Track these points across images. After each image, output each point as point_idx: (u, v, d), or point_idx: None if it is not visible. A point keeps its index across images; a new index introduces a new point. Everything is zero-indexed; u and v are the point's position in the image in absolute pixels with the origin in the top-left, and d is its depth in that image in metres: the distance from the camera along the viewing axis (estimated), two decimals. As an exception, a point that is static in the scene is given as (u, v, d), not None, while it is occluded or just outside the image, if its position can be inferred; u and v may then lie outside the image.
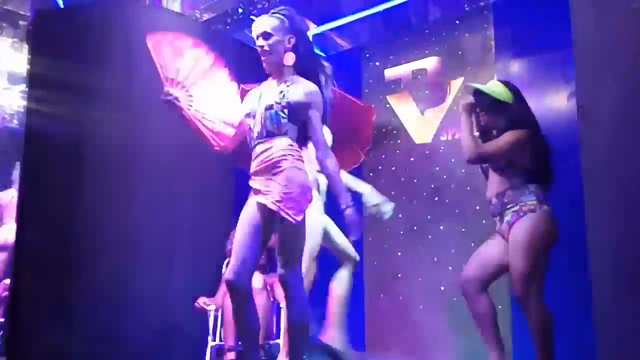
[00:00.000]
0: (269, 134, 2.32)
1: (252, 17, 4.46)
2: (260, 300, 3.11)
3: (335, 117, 4.07)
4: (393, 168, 4.11)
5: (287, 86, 2.37)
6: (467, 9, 3.97)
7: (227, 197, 4.20)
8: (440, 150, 3.91)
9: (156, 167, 3.50)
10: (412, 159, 4.03)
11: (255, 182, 2.30)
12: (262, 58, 2.42)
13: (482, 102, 2.61)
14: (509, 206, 2.55)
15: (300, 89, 2.36)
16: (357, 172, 4.23)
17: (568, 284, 3.01)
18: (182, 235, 3.53)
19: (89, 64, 3.59)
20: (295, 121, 2.33)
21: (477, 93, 2.62)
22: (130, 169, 3.48)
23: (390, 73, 4.25)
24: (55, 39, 3.59)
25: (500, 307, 3.40)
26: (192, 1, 4.38)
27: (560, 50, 3.30)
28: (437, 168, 3.89)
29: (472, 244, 3.61)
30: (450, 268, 3.69)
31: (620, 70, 1.89)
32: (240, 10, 4.21)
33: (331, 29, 4.84)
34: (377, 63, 4.32)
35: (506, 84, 2.63)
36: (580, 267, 2.46)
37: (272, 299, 3.28)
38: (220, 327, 3.23)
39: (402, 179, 4.04)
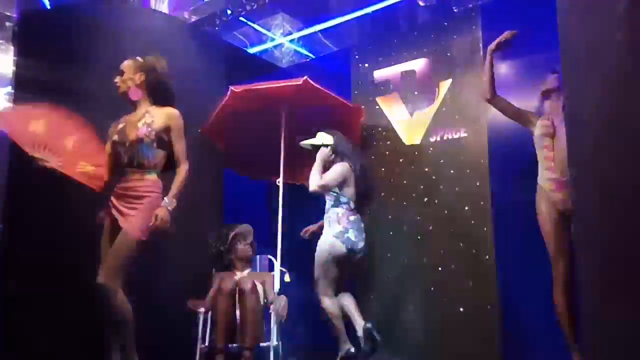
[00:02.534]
0: (139, 166, 2.78)
1: (240, 18, 4.46)
2: (250, 302, 3.10)
3: (325, 119, 4.10)
4: (382, 169, 4.12)
5: (150, 117, 2.85)
6: (455, 11, 4.00)
7: (216, 198, 4.19)
8: (430, 152, 3.92)
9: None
10: (401, 160, 4.04)
11: (118, 204, 2.75)
12: (118, 92, 2.91)
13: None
14: None
15: (162, 116, 2.86)
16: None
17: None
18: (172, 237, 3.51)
19: (75, 65, 3.56)
20: (163, 145, 2.83)
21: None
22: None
23: (379, 74, 4.26)
24: (42, 40, 3.56)
25: (489, 307, 3.43)
26: (180, 2, 4.36)
27: (547, 53, 3.33)
28: (426, 169, 3.91)
29: (461, 245, 3.64)
30: (439, 269, 3.71)
31: (606, 72, 1.91)
32: (229, 12, 4.20)
33: (320, 31, 4.85)
34: (366, 65, 4.33)
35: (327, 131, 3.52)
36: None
37: (263, 300, 3.27)
38: (210, 329, 3.21)
39: (392, 180, 4.06)
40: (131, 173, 2.79)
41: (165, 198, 2.77)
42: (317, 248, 3.32)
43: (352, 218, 3.38)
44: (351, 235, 3.30)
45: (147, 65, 2.95)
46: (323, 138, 3.56)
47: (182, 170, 2.86)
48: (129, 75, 2.93)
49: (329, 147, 3.49)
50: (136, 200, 2.74)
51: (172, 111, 2.89)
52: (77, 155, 2.80)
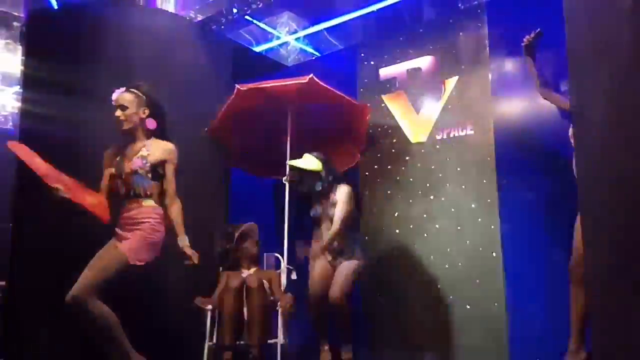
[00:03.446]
0: (136, 195, 2.86)
1: (246, 17, 4.47)
2: (256, 300, 3.11)
3: (331, 117, 4.10)
4: (389, 167, 4.12)
5: (147, 150, 2.91)
6: (461, 8, 3.99)
7: (222, 197, 4.21)
8: (436, 149, 3.92)
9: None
10: (407, 158, 4.04)
11: (120, 232, 2.83)
12: (120, 127, 2.92)
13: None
14: None
15: (158, 150, 2.93)
16: (353, 172, 4.25)
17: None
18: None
19: (83, 64, 3.58)
20: (157, 177, 2.91)
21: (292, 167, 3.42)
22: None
23: (385, 72, 4.25)
24: (49, 40, 3.58)
25: (496, 304, 3.43)
26: (186, 1, 4.37)
27: (553, 49, 3.32)
28: (433, 167, 3.90)
29: (468, 242, 3.64)
30: (446, 266, 3.71)
31: (614, 69, 1.90)
32: (234, 11, 4.20)
33: (326, 29, 4.85)
34: (372, 62, 4.32)
35: (315, 155, 3.51)
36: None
37: (271, 298, 3.28)
38: (218, 327, 3.23)
39: (398, 178, 4.05)
40: (130, 203, 2.88)
41: (179, 240, 2.90)
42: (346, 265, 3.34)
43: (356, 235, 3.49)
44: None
45: (150, 101, 2.98)
46: (312, 162, 3.52)
47: (177, 207, 2.93)
48: (134, 110, 2.93)
49: (319, 183, 3.48)
50: (135, 227, 2.83)
51: (170, 146, 2.97)
52: (80, 188, 2.86)
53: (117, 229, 2.87)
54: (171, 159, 2.95)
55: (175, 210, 2.92)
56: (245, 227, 3.42)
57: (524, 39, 3.16)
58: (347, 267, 3.32)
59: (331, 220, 3.38)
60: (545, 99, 3.21)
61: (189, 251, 2.88)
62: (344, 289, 3.22)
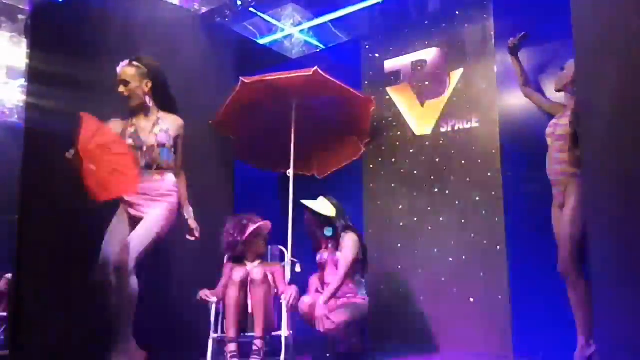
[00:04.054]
0: (159, 168, 2.94)
1: (251, 9, 4.45)
2: (261, 292, 3.12)
3: (335, 109, 4.09)
4: (393, 160, 4.11)
5: (165, 124, 2.97)
6: (466, -1, 3.96)
7: (227, 189, 4.21)
8: (440, 142, 3.91)
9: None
10: (412, 151, 4.03)
11: (138, 202, 2.87)
12: (126, 103, 2.95)
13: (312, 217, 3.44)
14: None
15: (174, 124, 3.01)
16: (357, 164, 4.25)
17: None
18: (185, 227, 3.54)
19: (88, 57, 3.57)
20: (175, 151, 3.03)
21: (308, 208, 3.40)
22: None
23: (389, 64, 4.24)
24: (54, 33, 3.57)
25: (500, 297, 3.43)
26: (191, -7, 4.36)
27: (560, 41, 3.29)
28: (437, 159, 3.89)
29: (472, 235, 3.63)
30: (450, 259, 3.71)
31: (620, 60, 1.89)
32: (239, 3, 4.19)
33: (330, 21, 4.82)
34: (377, 54, 4.31)
35: (330, 199, 3.46)
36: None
37: (274, 290, 3.29)
38: (222, 319, 3.24)
39: (402, 171, 4.05)
40: (151, 174, 2.92)
41: (185, 211, 3.09)
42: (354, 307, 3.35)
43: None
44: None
45: (152, 72, 2.99)
46: (327, 208, 3.47)
47: (184, 180, 3.13)
48: (136, 83, 2.95)
49: (330, 228, 3.45)
50: (160, 198, 2.92)
51: (181, 122, 3.07)
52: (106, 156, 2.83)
53: (131, 199, 2.88)
54: (182, 135, 3.08)
55: (182, 182, 3.11)
56: (262, 226, 3.39)
57: (509, 41, 3.35)
58: (347, 303, 3.32)
59: (336, 266, 3.40)
60: (526, 97, 3.37)
61: (193, 224, 3.08)
62: (334, 319, 3.25)
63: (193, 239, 3.11)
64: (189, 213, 3.10)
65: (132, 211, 2.90)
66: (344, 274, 3.27)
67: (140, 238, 2.80)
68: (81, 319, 3.22)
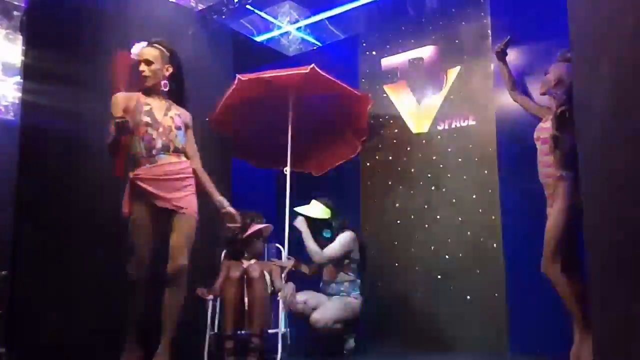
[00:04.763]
0: (175, 150, 2.85)
1: (247, 6, 4.45)
2: (258, 289, 3.12)
3: (332, 107, 4.09)
4: (390, 157, 4.11)
5: (177, 110, 2.92)
6: (463, -3, 3.96)
7: (224, 187, 4.20)
8: (437, 140, 3.91)
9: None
10: (409, 148, 4.03)
11: (156, 189, 2.77)
12: (143, 82, 2.87)
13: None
14: None
15: (185, 114, 2.98)
16: (354, 162, 4.25)
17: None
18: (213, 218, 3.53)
19: (84, 54, 3.56)
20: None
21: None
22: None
23: (386, 62, 4.24)
24: (50, 30, 3.56)
25: (496, 294, 3.44)
26: (187, -10, 4.36)
27: (556, 39, 3.29)
28: (434, 157, 3.90)
29: (468, 233, 3.64)
30: (447, 257, 3.72)
31: (617, 59, 1.89)
32: (235, 0, 4.18)
33: (327, 18, 4.82)
34: (374, 52, 4.30)
35: (323, 201, 3.57)
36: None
37: (271, 288, 3.30)
38: (219, 316, 3.25)
39: (399, 169, 4.05)
40: (167, 157, 2.84)
41: (218, 202, 3.04)
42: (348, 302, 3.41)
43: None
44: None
45: (174, 59, 2.93)
46: (320, 211, 3.53)
47: (201, 167, 3.02)
48: (159, 66, 2.88)
49: (328, 230, 3.53)
50: (183, 182, 2.85)
51: (189, 115, 3.03)
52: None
53: (143, 185, 2.78)
54: (191, 127, 3.04)
55: (202, 171, 3.02)
56: (263, 228, 3.39)
57: (496, 47, 3.38)
58: (339, 302, 3.38)
59: (334, 266, 3.46)
60: (515, 101, 3.36)
61: (232, 210, 3.03)
62: (327, 317, 3.27)
63: (234, 225, 3.06)
64: (221, 202, 3.04)
65: (159, 203, 2.80)
66: (320, 258, 3.40)
67: (186, 240, 2.81)
68: (78, 316, 3.22)
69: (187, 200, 2.84)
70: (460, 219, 3.71)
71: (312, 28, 5.04)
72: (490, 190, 3.58)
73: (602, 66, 1.95)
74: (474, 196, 3.66)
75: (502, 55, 3.37)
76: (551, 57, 3.28)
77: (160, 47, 2.90)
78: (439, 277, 3.73)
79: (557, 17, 2.68)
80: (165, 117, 2.87)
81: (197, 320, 3.26)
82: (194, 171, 2.95)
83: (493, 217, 3.54)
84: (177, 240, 2.78)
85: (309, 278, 3.66)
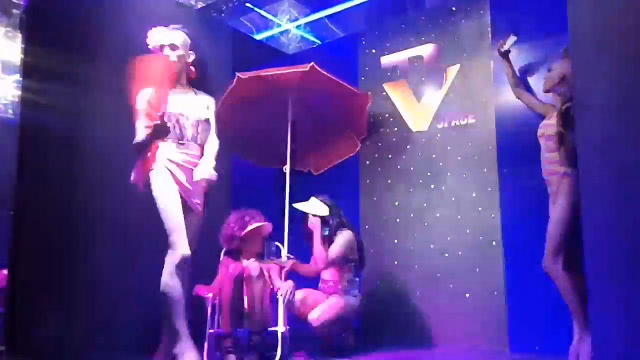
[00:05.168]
0: (200, 144, 2.85)
1: (247, 4, 4.44)
2: (257, 288, 3.12)
3: (331, 105, 4.09)
4: (389, 156, 4.11)
5: (204, 101, 2.87)
6: (463, -5, 3.95)
7: (224, 184, 4.20)
8: (437, 138, 3.91)
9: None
10: (408, 147, 4.03)
11: (182, 174, 2.77)
12: (171, 68, 2.77)
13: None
14: None
15: (210, 101, 2.91)
16: (353, 160, 4.24)
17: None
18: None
19: (84, 53, 3.56)
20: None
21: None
22: (126, 159, 3.47)
23: (386, 60, 4.23)
24: (50, 27, 3.56)
25: (495, 293, 3.44)
26: (186, -11, 4.35)
27: (556, 36, 3.29)
28: (434, 156, 3.89)
29: (468, 231, 3.64)
30: (446, 255, 3.72)
31: (616, 56, 1.89)
32: (235, -2, 4.18)
33: (327, 16, 4.82)
34: (374, 50, 4.30)
35: (322, 199, 3.55)
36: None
37: (270, 287, 3.29)
38: (218, 315, 3.24)
39: (399, 167, 4.05)
40: (192, 148, 2.86)
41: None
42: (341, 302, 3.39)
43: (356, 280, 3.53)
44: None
45: (195, 46, 2.88)
46: (318, 207, 3.53)
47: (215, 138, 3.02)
48: (184, 51, 2.79)
49: (326, 228, 3.50)
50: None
51: (212, 100, 2.97)
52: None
53: (172, 163, 2.79)
54: (212, 115, 2.99)
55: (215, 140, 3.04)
56: (263, 227, 3.38)
57: (498, 44, 3.39)
58: (338, 300, 3.37)
59: (333, 265, 3.46)
60: (518, 98, 3.36)
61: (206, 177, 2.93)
62: (324, 316, 3.27)
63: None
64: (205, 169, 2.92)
65: (182, 192, 2.82)
66: (326, 262, 3.39)
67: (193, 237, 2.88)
68: (77, 315, 3.22)
69: (200, 194, 2.91)
70: (459, 217, 3.71)
71: (312, 26, 5.04)
72: (489, 189, 3.58)
73: (601, 64, 1.95)
74: (474, 194, 3.66)
75: (505, 54, 3.37)
76: (551, 54, 3.29)
77: (183, 32, 2.82)
78: (439, 275, 3.73)
79: (556, 14, 2.68)
80: (194, 106, 2.84)
81: (196, 319, 3.26)
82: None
83: (492, 216, 3.54)
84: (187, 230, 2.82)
85: (308, 277, 3.66)
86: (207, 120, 2.87)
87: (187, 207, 2.80)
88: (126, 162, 3.47)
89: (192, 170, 2.79)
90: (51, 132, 3.43)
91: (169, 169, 2.76)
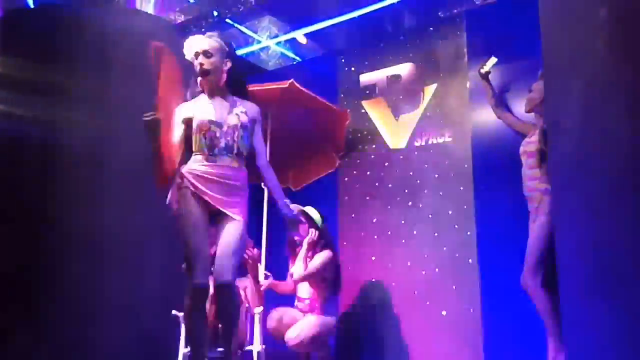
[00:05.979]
0: (238, 153, 2.57)
1: (227, 20, 4.45)
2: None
3: (310, 122, 4.10)
4: (368, 173, 4.13)
5: (243, 106, 2.64)
6: (441, 16, 4.03)
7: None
8: (414, 155, 3.94)
9: (129, 169, 3.43)
10: (386, 164, 4.06)
11: (210, 189, 2.48)
12: (202, 76, 2.60)
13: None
14: None
15: (253, 108, 2.67)
16: (332, 177, 4.25)
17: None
18: (155, 240, 3.48)
19: (59, 64, 3.52)
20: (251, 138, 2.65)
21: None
22: (102, 171, 3.42)
23: (365, 78, 4.27)
24: (25, 39, 3.52)
25: (472, 310, 3.45)
26: (166, 3, 4.33)
27: (531, 58, 3.37)
28: (411, 173, 3.92)
29: (445, 249, 3.66)
30: (423, 272, 3.72)
31: (588, 78, 1.94)
32: (215, 14, 4.18)
33: (307, 34, 4.85)
34: (353, 68, 4.34)
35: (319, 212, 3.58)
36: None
37: (246, 305, 3.26)
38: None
39: (377, 184, 4.07)
40: (226, 160, 2.54)
41: (283, 207, 2.66)
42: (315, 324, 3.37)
43: None
44: None
45: (231, 52, 2.70)
46: (317, 215, 3.57)
47: (271, 169, 2.71)
48: (218, 58, 2.62)
49: (316, 232, 3.53)
50: (239, 191, 2.55)
51: (256, 107, 2.72)
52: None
53: (194, 181, 2.49)
54: (260, 120, 2.71)
55: (270, 171, 2.70)
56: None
57: (479, 66, 3.49)
58: (314, 319, 3.37)
59: (310, 284, 3.48)
60: (499, 118, 3.46)
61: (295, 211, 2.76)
62: (301, 335, 3.26)
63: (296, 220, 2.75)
64: (287, 207, 2.66)
65: (210, 200, 2.49)
66: (302, 275, 3.40)
67: (234, 248, 2.47)
68: (47, 332, 3.13)
69: (240, 205, 2.54)
70: (436, 234, 3.73)
71: (292, 43, 5.06)
72: (465, 206, 3.61)
73: (572, 88, 2.00)
74: (450, 212, 3.69)
75: (486, 75, 3.46)
76: (526, 75, 3.36)
77: (218, 39, 2.66)
78: (416, 292, 3.73)
79: (531, 36, 2.74)
80: (230, 115, 2.59)
81: (171, 338, 3.20)
82: (259, 168, 2.67)
83: (469, 233, 3.57)
84: (224, 248, 2.47)
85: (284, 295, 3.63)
86: (244, 128, 2.60)
87: (222, 216, 2.53)
88: (104, 174, 3.43)
89: (224, 182, 2.52)
90: (26, 143, 3.37)
91: (194, 185, 2.51)
